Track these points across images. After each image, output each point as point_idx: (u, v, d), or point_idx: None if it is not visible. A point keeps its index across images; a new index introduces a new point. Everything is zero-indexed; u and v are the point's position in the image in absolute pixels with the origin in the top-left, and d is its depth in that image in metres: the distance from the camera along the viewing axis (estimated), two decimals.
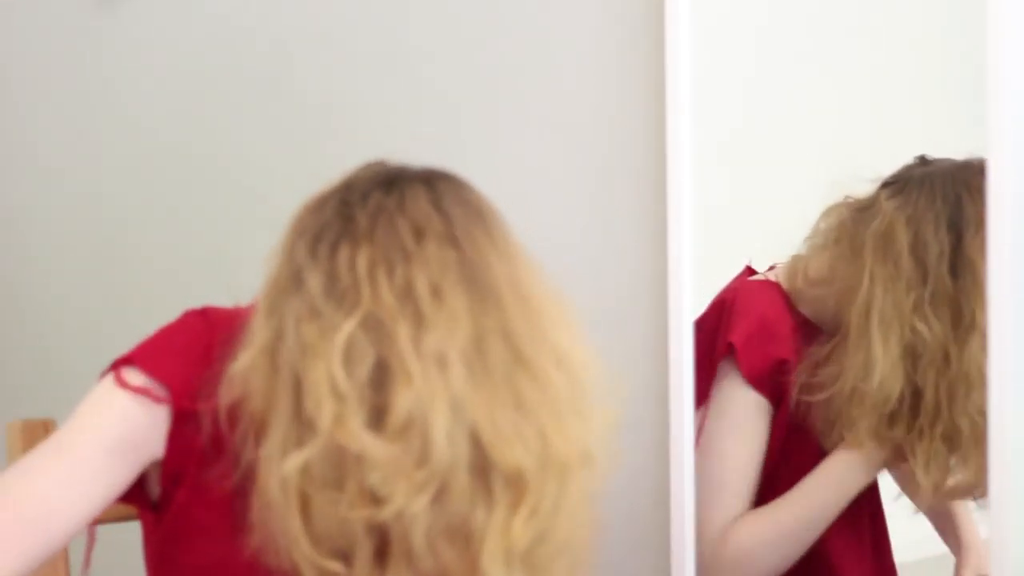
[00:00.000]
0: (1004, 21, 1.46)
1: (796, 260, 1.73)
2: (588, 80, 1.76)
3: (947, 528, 1.72)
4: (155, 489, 1.39)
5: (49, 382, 2.41)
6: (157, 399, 1.35)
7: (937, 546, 1.73)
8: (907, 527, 1.72)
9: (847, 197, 1.69)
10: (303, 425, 1.24)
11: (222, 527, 1.31)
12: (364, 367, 1.24)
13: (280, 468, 1.24)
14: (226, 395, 1.30)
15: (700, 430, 1.70)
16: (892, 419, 1.60)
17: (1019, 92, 1.46)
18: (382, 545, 1.24)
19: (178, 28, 2.22)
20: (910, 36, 1.71)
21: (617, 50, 1.73)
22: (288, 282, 1.29)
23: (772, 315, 1.71)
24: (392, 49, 1.96)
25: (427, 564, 1.23)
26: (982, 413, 1.49)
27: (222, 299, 1.42)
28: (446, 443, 1.22)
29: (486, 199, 1.35)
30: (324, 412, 1.23)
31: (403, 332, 1.24)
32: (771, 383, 1.68)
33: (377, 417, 1.23)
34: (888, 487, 1.69)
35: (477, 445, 1.23)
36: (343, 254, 1.27)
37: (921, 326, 1.59)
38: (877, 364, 1.59)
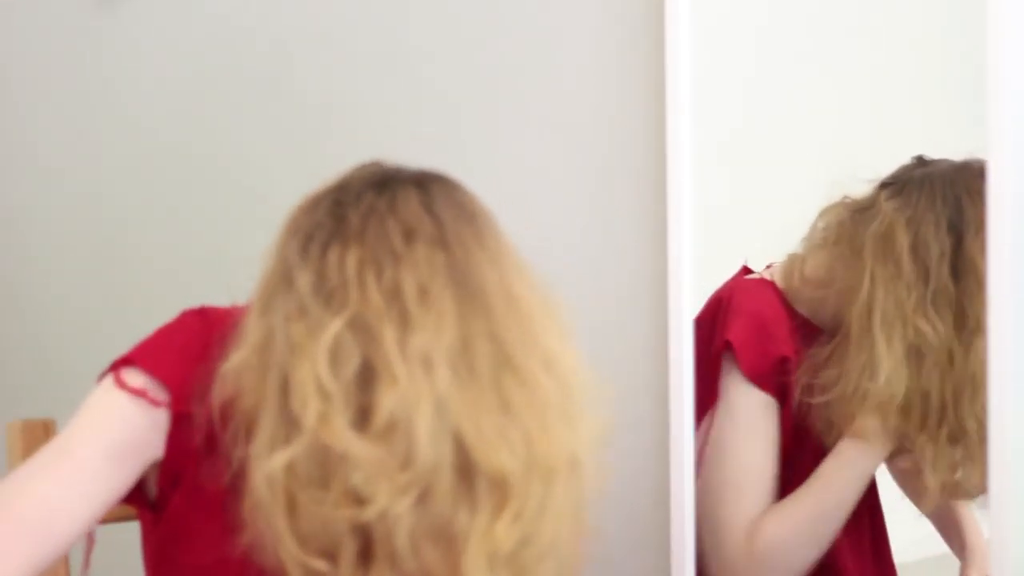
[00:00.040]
0: (1004, 21, 1.46)
1: (792, 259, 1.73)
2: (588, 80, 1.76)
3: (951, 530, 1.72)
4: (153, 489, 1.39)
5: (49, 382, 2.41)
6: (156, 403, 1.35)
7: (937, 546, 1.73)
8: (907, 527, 1.72)
9: (845, 197, 1.69)
10: (289, 423, 1.24)
11: (219, 526, 1.32)
12: (350, 367, 1.24)
13: (266, 466, 1.24)
14: (219, 394, 1.30)
15: (705, 433, 1.70)
16: (900, 417, 1.60)
17: (1019, 92, 1.46)
18: (366, 545, 1.24)
19: (178, 28, 2.22)
20: (910, 36, 1.71)
21: (617, 50, 1.73)
22: (279, 281, 1.29)
23: (770, 313, 1.71)
24: (392, 49, 1.96)
25: (410, 565, 1.23)
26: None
27: (222, 299, 1.42)
28: (430, 445, 1.22)
29: (479, 202, 1.35)
30: (309, 411, 1.23)
31: (389, 333, 1.24)
32: (775, 381, 1.68)
33: (362, 417, 1.23)
34: (889, 487, 1.69)
35: (461, 447, 1.23)
36: (333, 254, 1.28)
37: (924, 326, 1.59)
38: (882, 363, 1.59)
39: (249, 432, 1.28)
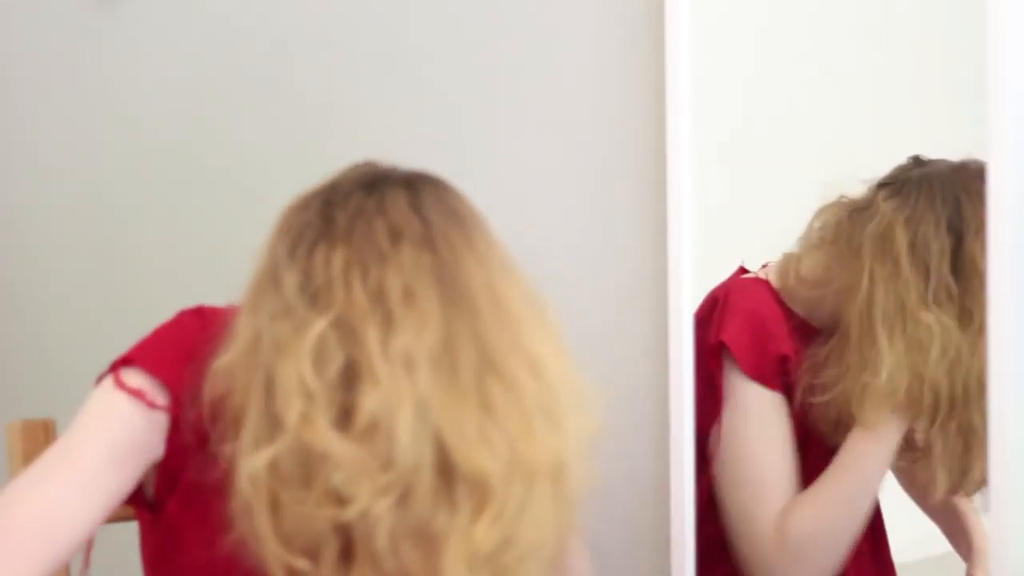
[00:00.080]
0: (1004, 21, 1.46)
1: (788, 259, 1.73)
2: (588, 80, 1.77)
3: (957, 531, 1.72)
4: (151, 489, 1.40)
5: (49, 382, 2.41)
6: (153, 405, 1.35)
7: (937, 546, 1.73)
8: (907, 527, 1.72)
9: (841, 197, 1.69)
10: (272, 422, 1.25)
11: (215, 525, 1.32)
12: (334, 367, 1.24)
13: (249, 464, 1.24)
14: (210, 392, 1.31)
15: (716, 438, 1.70)
16: (907, 409, 1.60)
17: (1019, 92, 1.46)
18: (348, 545, 1.24)
19: (178, 28, 2.22)
20: (910, 36, 1.71)
21: (617, 50, 1.73)
22: (268, 280, 1.30)
23: (766, 313, 1.71)
24: (392, 49, 1.96)
25: (390, 565, 1.24)
26: None
27: (222, 299, 1.42)
28: (410, 445, 1.22)
29: (469, 203, 1.35)
30: (292, 410, 1.23)
31: (372, 334, 1.24)
32: (778, 378, 1.68)
33: (345, 417, 1.23)
34: (888, 488, 1.69)
35: (442, 448, 1.23)
36: (320, 254, 1.28)
37: (927, 318, 1.59)
38: (883, 359, 1.60)
39: (237, 431, 1.28)
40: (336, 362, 1.24)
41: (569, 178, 1.78)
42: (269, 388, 1.25)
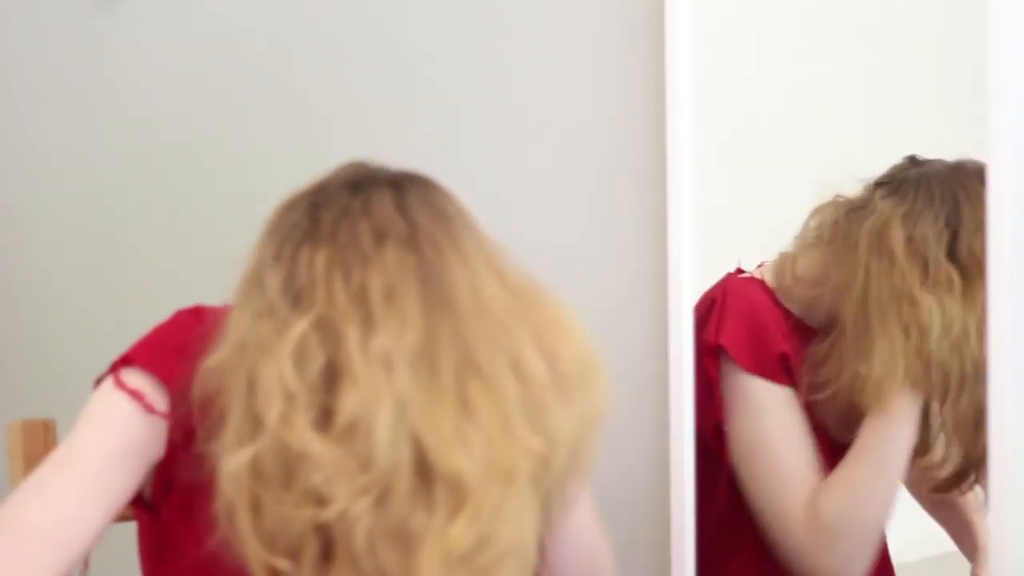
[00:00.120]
0: (1004, 21, 1.46)
1: (783, 258, 1.73)
2: (588, 80, 1.76)
3: (961, 531, 1.72)
4: (148, 489, 1.40)
5: (49, 382, 2.41)
6: (151, 409, 1.36)
7: (937, 546, 1.73)
8: (907, 527, 1.72)
9: (838, 196, 1.69)
10: (253, 422, 1.25)
11: (206, 525, 1.32)
12: (314, 367, 1.24)
13: (230, 464, 1.25)
14: (199, 391, 1.31)
15: (705, 436, 1.70)
16: (916, 390, 1.60)
17: (1019, 92, 1.46)
18: (327, 545, 1.25)
19: (178, 28, 2.22)
20: (910, 36, 1.71)
21: (617, 50, 1.73)
22: (254, 279, 1.31)
23: (764, 312, 1.72)
24: (392, 49, 1.96)
25: (368, 566, 1.24)
26: None
27: (221, 299, 1.42)
28: (389, 446, 1.22)
29: (457, 203, 1.35)
30: (272, 410, 1.24)
31: (352, 334, 1.24)
32: (783, 374, 1.68)
33: (325, 418, 1.24)
34: None
35: (419, 449, 1.23)
36: (304, 255, 1.28)
37: (926, 299, 1.59)
38: (877, 342, 1.60)
39: (223, 430, 1.28)
40: (317, 362, 1.24)
41: (569, 178, 1.78)
42: (251, 387, 1.26)
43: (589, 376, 1.32)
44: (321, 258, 1.28)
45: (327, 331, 1.25)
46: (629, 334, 1.73)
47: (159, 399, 1.37)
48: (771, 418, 1.68)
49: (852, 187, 1.69)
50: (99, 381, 1.41)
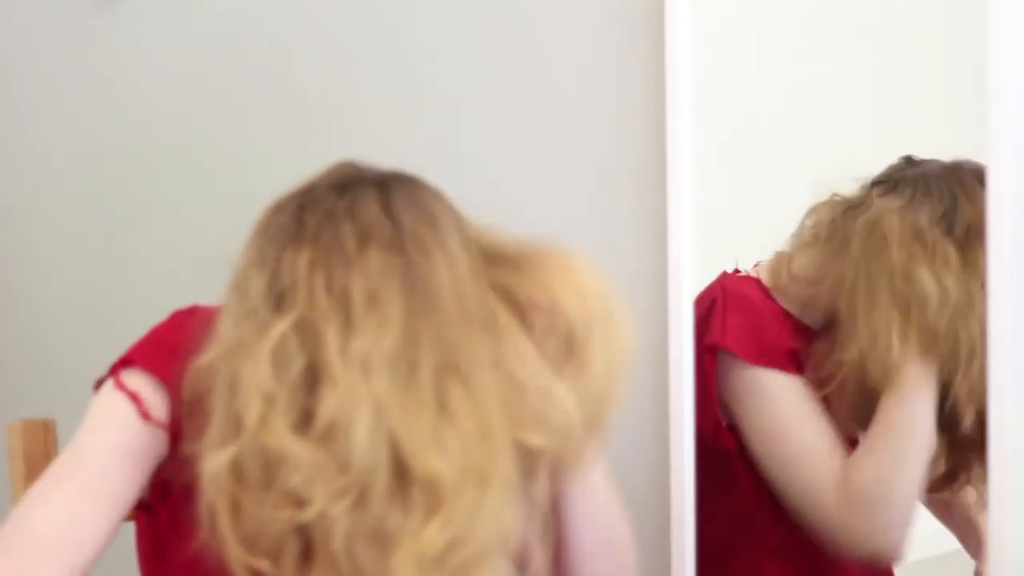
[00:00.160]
0: (1004, 21, 1.46)
1: (779, 257, 1.74)
2: (588, 80, 1.76)
3: (966, 531, 1.72)
4: (146, 490, 1.40)
5: (49, 382, 2.41)
6: (146, 416, 1.36)
7: (937, 546, 1.73)
8: None
9: (834, 195, 1.70)
10: (234, 423, 1.26)
11: (195, 526, 1.32)
12: (294, 369, 1.25)
13: (210, 464, 1.26)
14: (188, 392, 1.32)
15: (705, 436, 1.70)
16: (928, 360, 1.60)
17: (1019, 92, 1.46)
18: (307, 546, 1.25)
19: (178, 28, 2.22)
20: (910, 36, 1.71)
21: (617, 50, 1.73)
22: (241, 280, 1.31)
23: (764, 310, 1.72)
24: (392, 49, 1.96)
25: (346, 567, 1.24)
26: None
27: (220, 299, 1.42)
28: (366, 448, 1.23)
29: (444, 201, 1.34)
30: (251, 411, 1.24)
31: (332, 336, 1.25)
32: (791, 365, 1.68)
33: (305, 420, 1.24)
34: None
35: (396, 451, 1.23)
36: (287, 256, 1.29)
37: (918, 272, 1.59)
38: (876, 322, 1.60)
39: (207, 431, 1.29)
40: (297, 364, 1.25)
41: (569, 178, 1.78)
42: (232, 389, 1.26)
43: (602, 327, 1.32)
44: (303, 260, 1.28)
45: (307, 333, 1.25)
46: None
47: (159, 400, 1.37)
48: (785, 404, 1.68)
49: (849, 186, 1.69)
50: (99, 383, 1.41)
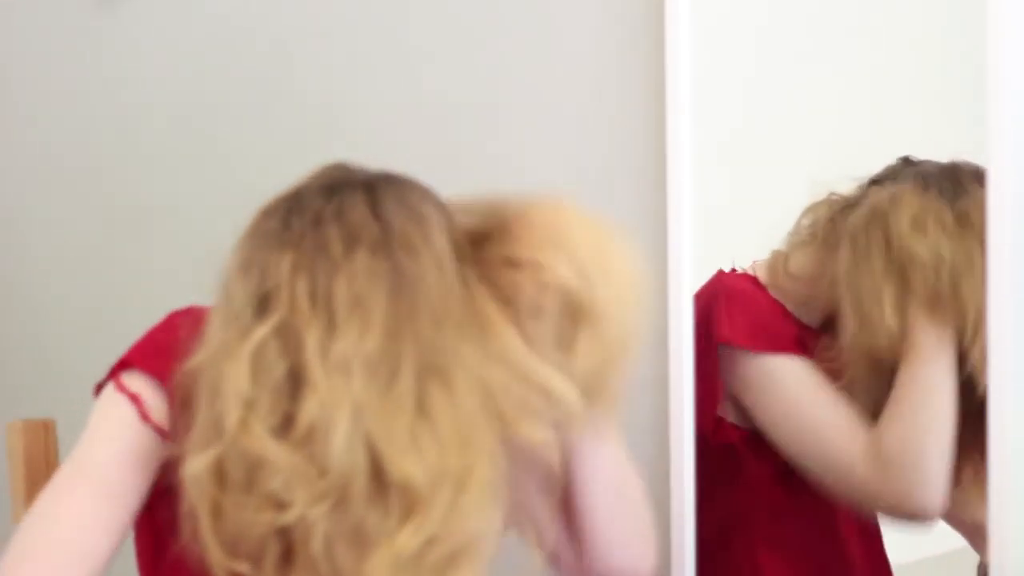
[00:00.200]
0: (1004, 21, 1.46)
1: (776, 256, 1.74)
2: (588, 80, 1.76)
3: (973, 530, 1.72)
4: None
5: (49, 382, 2.41)
6: (146, 417, 1.36)
7: (937, 546, 1.73)
8: (907, 527, 1.72)
9: (832, 194, 1.70)
10: (215, 427, 1.26)
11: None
12: (276, 373, 1.25)
13: (190, 468, 1.27)
14: (178, 394, 1.32)
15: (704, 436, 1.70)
16: (939, 322, 1.60)
17: (1019, 92, 1.46)
18: (288, 549, 1.26)
19: (178, 28, 2.22)
20: (910, 36, 1.71)
21: (617, 50, 1.73)
22: (227, 284, 1.32)
23: (764, 304, 1.72)
24: (392, 49, 1.96)
25: (326, 568, 1.25)
26: None
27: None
28: (345, 452, 1.23)
29: (433, 200, 1.34)
30: (231, 416, 1.25)
31: (312, 340, 1.25)
32: (798, 348, 1.68)
33: (287, 423, 1.25)
34: None
35: (374, 454, 1.24)
36: (271, 260, 1.29)
37: (907, 239, 1.59)
38: (877, 293, 1.61)
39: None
40: (278, 369, 1.25)
41: (569, 178, 1.78)
42: (214, 392, 1.27)
43: (601, 276, 1.32)
44: (286, 264, 1.28)
45: (288, 337, 1.26)
46: None
47: (158, 402, 1.37)
48: (798, 383, 1.68)
49: (847, 186, 1.69)
50: (99, 387, 1.41)
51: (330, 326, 1.25)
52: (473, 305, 1.30)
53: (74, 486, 1.34)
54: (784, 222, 1.73)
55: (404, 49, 1.95)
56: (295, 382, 1.25)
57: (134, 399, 1.36)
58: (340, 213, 1.30)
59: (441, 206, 1.34)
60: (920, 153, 1.68)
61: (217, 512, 1.26)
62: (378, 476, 1.24)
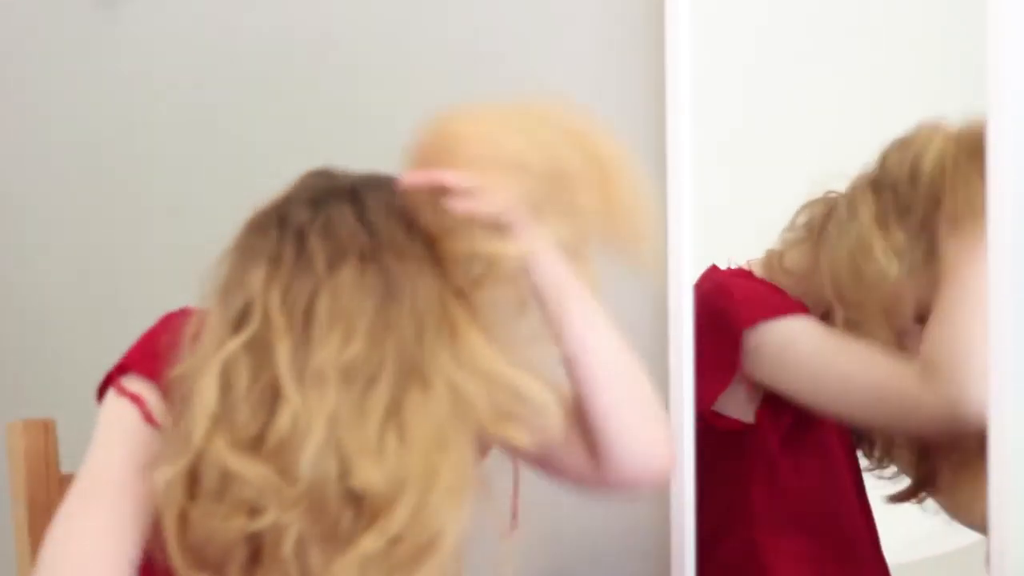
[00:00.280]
0: (1004, 21, 1.46)
1: (771, 255, 1.74)
2: (588, 80, 1.76)
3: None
4: None
5: (49, 382, 2.40)
6: (148, 418, 1.37)
7: (937, 546, 1.73)
8: (907, 527, 1.72)
9: (828, 193, 1.70)
10: (184, 438, 1.28)
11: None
12: (246, 387, 1.27)
13: (160, 476, 1.28)
14: (173, 395, 1.33)
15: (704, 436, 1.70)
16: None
17: (1019, 92, 1.46)
18: (255, 553, 1.27)
19: (178, 28, 2.22)
20: (910, 36, 1.71)
21: (617, 50, 1.73)
22: (211, 295, 1.33)
23: (767, 284, 1.72)
24: (392, 49, 1.96)
25: (295, 570, 1.27)
26: None
27: None
28: (314, 462, 1.25)
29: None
30: (198, 429, 1.27)
31: (284, 353, 1.26)
32: (807, 311, 1.69)
33: (260, 435, 1.26)
34: (878, 488, 1.70)
35: (344, 462, 1.25)
36: (251, 275, 1.31)
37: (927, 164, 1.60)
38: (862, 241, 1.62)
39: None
40: (251, 382, 1.27)
41: None
42: (186, 404, 1.29)
43: (581, 169, 1.37)
44: (262, 279, 1.29)
45: (260, 351, 1.27)
46: (628, 334, 1.72)
47: (158, 403, 1.37)
48: (825, 334, 1.66)
49: (844, 184, 1.69)
50: (101, 392, 1.41)
51: (306, 339, 1.27)
52: (446, 308, 1.30)
53: (89, 496, 1.34)
54: (784, 221, 1.73)
55: (405, 49, 1.95)
56: (272, 395, 1.27)
57: (136, 400, 1.36)
58: (327, 227, 1.31)
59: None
60: None
61: (183, 521, 1.27)
62: (348, 483, 1.26)
